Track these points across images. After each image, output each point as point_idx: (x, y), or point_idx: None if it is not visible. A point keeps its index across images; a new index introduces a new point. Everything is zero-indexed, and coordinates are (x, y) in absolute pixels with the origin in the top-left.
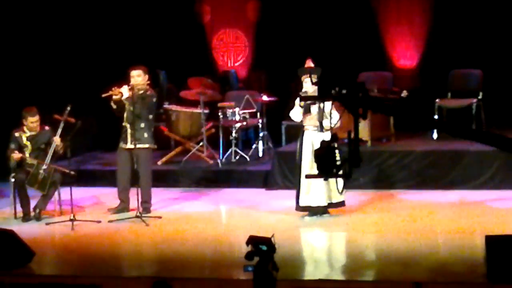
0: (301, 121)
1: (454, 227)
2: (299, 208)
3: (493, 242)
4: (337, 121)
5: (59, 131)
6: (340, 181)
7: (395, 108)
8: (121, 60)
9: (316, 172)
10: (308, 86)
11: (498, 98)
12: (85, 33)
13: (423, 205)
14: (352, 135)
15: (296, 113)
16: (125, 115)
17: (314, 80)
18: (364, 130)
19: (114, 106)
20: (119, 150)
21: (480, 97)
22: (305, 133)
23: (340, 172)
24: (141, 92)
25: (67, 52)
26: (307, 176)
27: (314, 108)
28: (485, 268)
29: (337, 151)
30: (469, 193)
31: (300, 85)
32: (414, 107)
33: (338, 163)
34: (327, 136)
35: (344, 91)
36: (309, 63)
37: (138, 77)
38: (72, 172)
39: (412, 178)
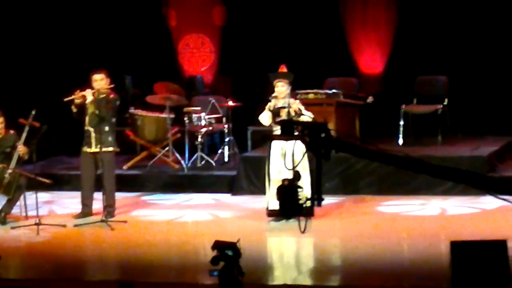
0: (270, 125)
1: (419, 233)
2: (268, 212)
3: (458, 248)
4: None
5: (24, 135)
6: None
7: (359, 147)
8: (87, 64)
9: (284, 174)
10: (280, 90)
11: (463, 104)
12: (49, 37)
13: (388, 210)
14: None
15: (265, 117)
16: (87, 119)
17: (286, 84)
18: None
19: (75, 110)
20: (83, 155)
21: (445, 103)
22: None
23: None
24: (104, 95)
25: (31, 56)
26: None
27: (284, 113)
28: (450, 274)
29: (299, 189)
30: (434, 199)
31: (267, 91)
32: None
33: (300, 201)
34: (297, 143)
35: (306, 131)
36: (283, 69)
37: (101, 80)
38: (47, 181)
39: (378, 184)
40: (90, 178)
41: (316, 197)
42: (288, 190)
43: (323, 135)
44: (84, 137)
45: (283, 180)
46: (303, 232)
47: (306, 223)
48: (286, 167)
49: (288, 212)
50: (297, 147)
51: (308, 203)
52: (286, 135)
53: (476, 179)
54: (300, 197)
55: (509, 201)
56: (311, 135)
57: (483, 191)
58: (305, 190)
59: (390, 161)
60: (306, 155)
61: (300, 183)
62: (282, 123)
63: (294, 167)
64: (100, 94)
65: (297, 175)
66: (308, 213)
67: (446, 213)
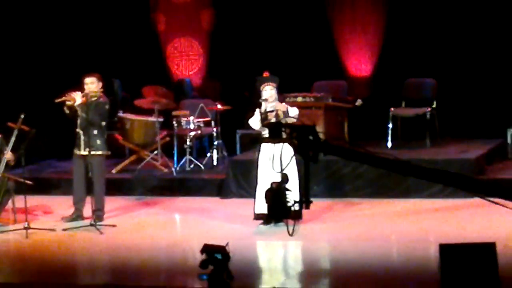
0: (260, 128)
1: (408, 236)
2: (255, 215)
3: (447, 251)
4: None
5: (13, 139)
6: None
7: (347, 150)
8: (76, 68)
9: (272, 177)
10: (267, 94)
11: (451, 107)
12: (39, 41)
13: (377, 214)
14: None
15: (255, 121)
16: (78, 121)
17: (273, 87)
18: None
19: (67, 111)
20: (74, 157)
21: (434, 106)
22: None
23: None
24: (94, 99)
25: (20, 60)
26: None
27: (272, 116)
28: (439, 277)
29: (287, 192)
30: (423, 202)
31: (255, 94)
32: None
33: (288, 204)
34: (284, 146)
35: (294, 134)
36: (267, 75)
37: (92, 84)
38: (29, 182)
39: (367, 187)
40: (80, 181)
41: (305, 200)
42: (276, 193)
43: (311, 137)
44: (75, 139)
45: (272, 183)
46: (291, 235)
47: (294, 226)
48: (274, 169)
49: (276, 215)
50: (286, 150)
51: (297, 206)
52: (274, 137)
53: (465, 182)
54: (288, 200)
55: (498, 203)
56: (299, 137)
57: (472, 193)
58: (293, 193)
59: (378, 164)
60: (294, 157)
61: (288, 185)
62: (270, 126)
63: (282, 170)
64: (90, 98)
65: (285, 178)
66: (296, 216)
67: (434, 216)
